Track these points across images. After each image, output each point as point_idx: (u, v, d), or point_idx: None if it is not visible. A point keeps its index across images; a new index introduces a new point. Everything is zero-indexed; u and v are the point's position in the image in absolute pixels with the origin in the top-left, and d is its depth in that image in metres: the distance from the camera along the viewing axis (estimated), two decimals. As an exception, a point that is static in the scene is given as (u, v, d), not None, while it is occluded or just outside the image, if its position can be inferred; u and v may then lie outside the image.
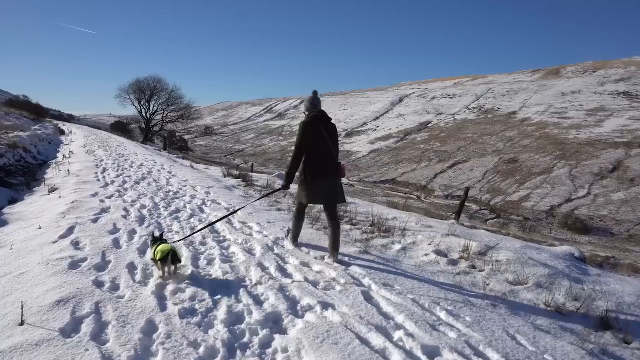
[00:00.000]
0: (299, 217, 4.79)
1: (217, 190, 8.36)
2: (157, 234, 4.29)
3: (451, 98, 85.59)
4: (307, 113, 4.54)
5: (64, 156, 14.62)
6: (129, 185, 8.68)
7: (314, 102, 4.51)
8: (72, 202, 6.70)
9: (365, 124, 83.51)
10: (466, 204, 56.19)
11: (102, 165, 11.89)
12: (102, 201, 6.95)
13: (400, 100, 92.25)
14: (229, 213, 5.75)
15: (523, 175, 58.09)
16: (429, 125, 75.97)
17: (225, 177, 11.18)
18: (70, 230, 5.22)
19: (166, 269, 3.74)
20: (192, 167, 12.94)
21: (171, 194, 7.78)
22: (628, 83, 68.47)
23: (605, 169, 54.99)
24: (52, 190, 8.23)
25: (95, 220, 5.72)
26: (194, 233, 4.93)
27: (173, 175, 10.18)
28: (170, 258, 3.68)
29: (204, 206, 6.89)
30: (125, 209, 6.41)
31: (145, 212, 6.31)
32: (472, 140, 67.41)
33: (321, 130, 4.29)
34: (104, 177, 9.59)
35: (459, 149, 65.67)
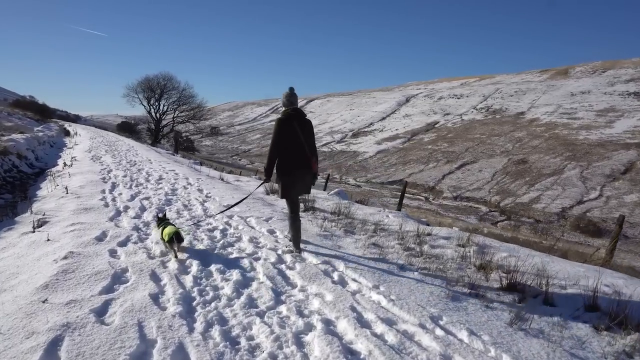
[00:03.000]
0: (294, 218, 4.53)
1: (281, 226, 5.55)
2: (160, 214, 4.68)
3: (458, 98, 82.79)
4: (284, 108, 4.54)
5: (65, 164, 11.77)
6: (151, 214, 5.83)
7: (291, 99, 4.49)
8: (65, 258, 3.88)
9: (371, 124, 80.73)
10: (475, 205, 53.27)
11: (110, 177, 9.04)
12: (113, 253, 4.11)
13: (407, 101, 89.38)
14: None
15: (533, 176, 55.42)
16: (436, 126, 73.28)
17: (268, 194, 8.38)
18: (52, 351, 2.43)
19: (174, 248, 4.08)
20: (222, 179, 10.08)
21: (217, 234, 4.95)
22: (639, 83, 65.75)
23: (617, 170, 52.38)
24: (40, 224, 5.39)
25: (101, 313, 2.89)
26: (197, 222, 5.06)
27: (207, 196, 7.29)
28: (175, 238, 4.02)
29: (283, 266, 4.03)
30: (154, 276, 3.57)
31: (189, 282, 3.49)
32: (480, 140, 64.76)
33: (295, 127, 4.32)
34: (113, 200, 6.74)
35: (467, 150, 63.01)
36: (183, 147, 46.83)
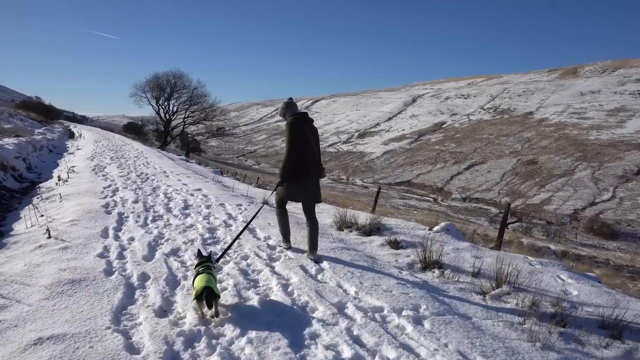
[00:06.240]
0: (282, 213, 4.33)
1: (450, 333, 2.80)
2: (203, 251, 3.56)
3: (465, 98, 79.78)
4: (285, 116, 4.19)
5: (59, 178, 9.01)
6: (190, 299, 3.08)
7: (292, 105, 4.24)
8: None
9: (378, 124, 77.91)
10: (485, 206, 50.87)
11: (115, 203, 6.27)
12: None
13: (414, 101, 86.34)
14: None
15: (543, 177, 52.69)
16: (443, 126, 70.54)
17: (342, 229, 5.64)
18: None
19: (204, 309, 2.77)
20: (268, 203, 7.22)
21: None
22: (649, 83, 63.05)
23: (630, 171, 49.69)
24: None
25: None
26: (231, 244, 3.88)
27: (270, 246, 4.41)
28: (205, 297, 2.71)
29: None
30: None
31: None
32: (488, 141, 62.10)
33: (305, 130, 4.08)
34: (120, 255, 3.99)
35: (475, 150, 60.30)
36: (190, 147, 43.72)
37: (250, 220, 4.45)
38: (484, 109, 70.64)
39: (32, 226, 5.36)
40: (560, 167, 55.86)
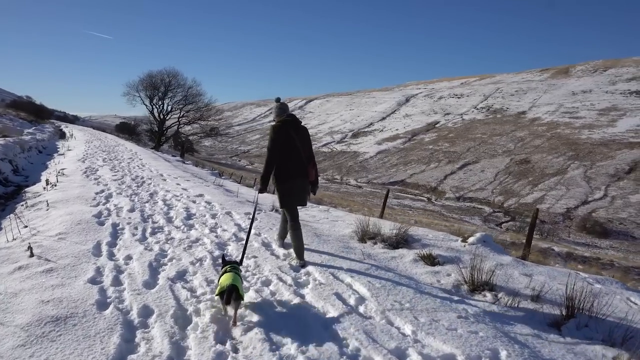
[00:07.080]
0: (296, 227, 3.96)
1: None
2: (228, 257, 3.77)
3: (458, 98, 79.55)
4: (277, 119, 4.12)
5: (48, 182, 8.24)
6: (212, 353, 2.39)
7: (283, 108, 4.14)
8: None
9: (371, 124, 77.35)
10: (478, 206, 50.44)
11: (109, 212, 5.55)
12: None
13: (407, 100, 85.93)
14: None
15: (536, 176, 52.58)
16: (436, 126, 70.23)
17: (360, 241, 4.96)
18: None
19: (228, 308, 2.76)
20: (277, 211, 6.51)
21: None
22: (640, 82, 63.31)
23: (621, 169, 49.75)
24: None
25: None
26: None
27: (293, 267, 3.76)
28: (226, 296, 2.65)
29: None
30: None
31: None
32: (481, 140, 61.88)
33: (291, 133, 3.97)
34: (116, 280, 3.28)
35: (469, 150, 60.05)
36: (184, 148, 42.60)
37: (251, 225, 3.80)
38: (477, 109, 70.47)
39: (13, 239, 4.63)
40: (553, 166, 55.85)
